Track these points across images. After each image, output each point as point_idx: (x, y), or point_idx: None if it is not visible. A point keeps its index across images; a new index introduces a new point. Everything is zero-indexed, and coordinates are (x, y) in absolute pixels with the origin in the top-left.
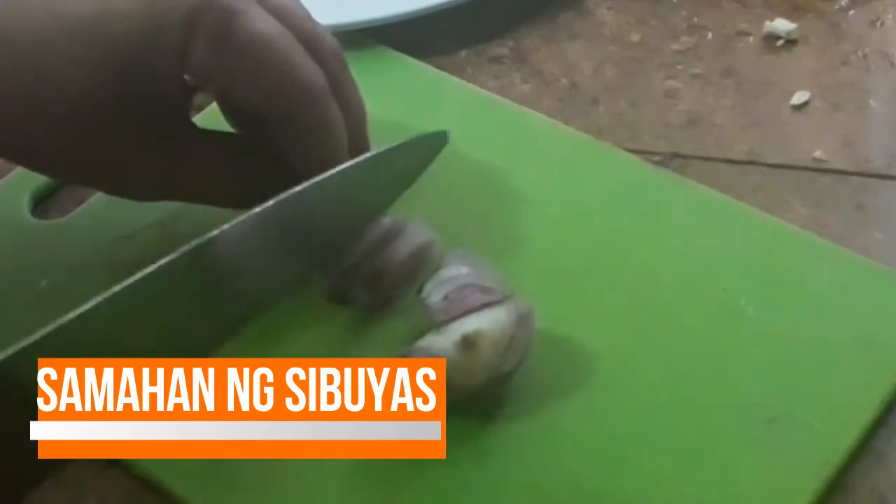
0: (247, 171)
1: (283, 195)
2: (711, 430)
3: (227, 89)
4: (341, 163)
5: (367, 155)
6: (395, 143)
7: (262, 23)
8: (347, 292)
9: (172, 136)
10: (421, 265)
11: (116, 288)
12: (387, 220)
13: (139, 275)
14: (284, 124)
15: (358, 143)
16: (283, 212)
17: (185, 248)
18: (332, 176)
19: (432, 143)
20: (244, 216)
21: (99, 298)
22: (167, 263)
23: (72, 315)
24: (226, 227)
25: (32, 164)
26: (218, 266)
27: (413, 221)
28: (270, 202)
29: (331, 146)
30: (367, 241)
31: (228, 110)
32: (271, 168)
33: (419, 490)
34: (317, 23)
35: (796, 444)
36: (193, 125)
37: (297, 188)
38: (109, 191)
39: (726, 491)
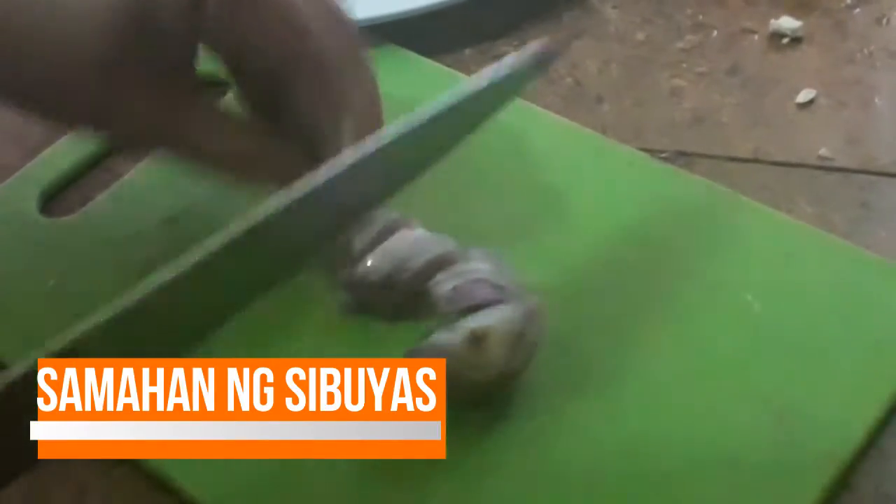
0: (253, 137)
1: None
2: (719, 426)
3: (239, 50)
4: (353, 134)
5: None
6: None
7: None
8: (362, 302)
9: (176, 89)
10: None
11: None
12: (408, 231)
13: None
14: (295, 90)
15: (371, 122)
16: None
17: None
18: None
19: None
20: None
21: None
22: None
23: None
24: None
25: (26, 104)
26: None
27: (438, 234)
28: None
29: (343, 115)
30: (383, 251)
31: (240, 86)
32: (281, 137)
33: (423, 489)
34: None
35: (804, 440)
36: (200, 86)
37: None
38: (106, 135)
39: (734, 487)
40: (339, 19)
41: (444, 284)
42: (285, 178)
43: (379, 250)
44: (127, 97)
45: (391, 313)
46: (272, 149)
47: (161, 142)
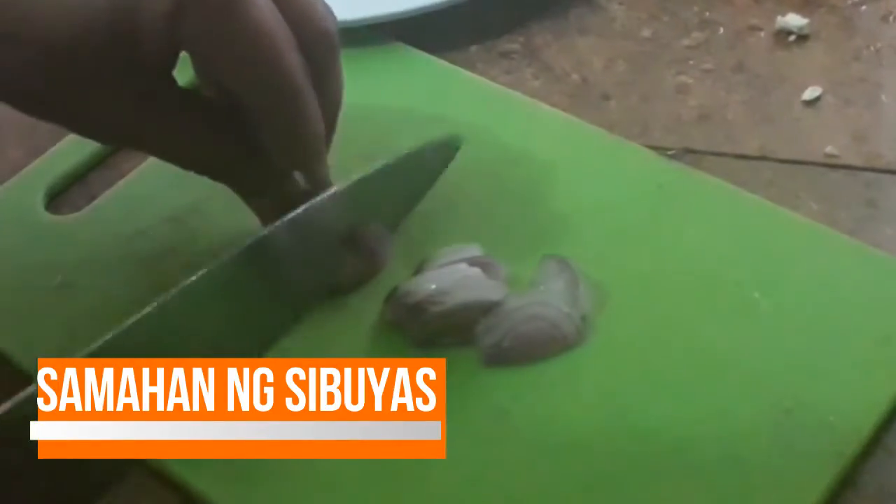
0: (221, 135)
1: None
2: (724, 422)
3: (209, 67)
4: (316, 154)
5: (381, 164)
6: (406, 151)
7: (261, 11)
8: (397, 320)
9: (150, 90)
10: (475, 318)
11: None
12: (464, 268)
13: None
14: (260, 113)
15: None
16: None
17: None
18: (347, 188)
19: (445, 149)
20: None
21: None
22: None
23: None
24: (248, 240)
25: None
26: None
27: (492, 270)
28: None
29: (304, 142)
30: (427, 278)
31: (205, 77)
32: (244, 135)
33: (420, 489)
34: (318, 2)
35: (810, 437)
36: (174, 82)
37: (307, 204)
38: (79, 131)
39: (738, 482)
40: (310, 27)
41: (491, 334)
42: (247, 185)
43: (425, 276)
44: (102, 105)
45: (421, 338)
46: (231, 152)
47: (133, 145)
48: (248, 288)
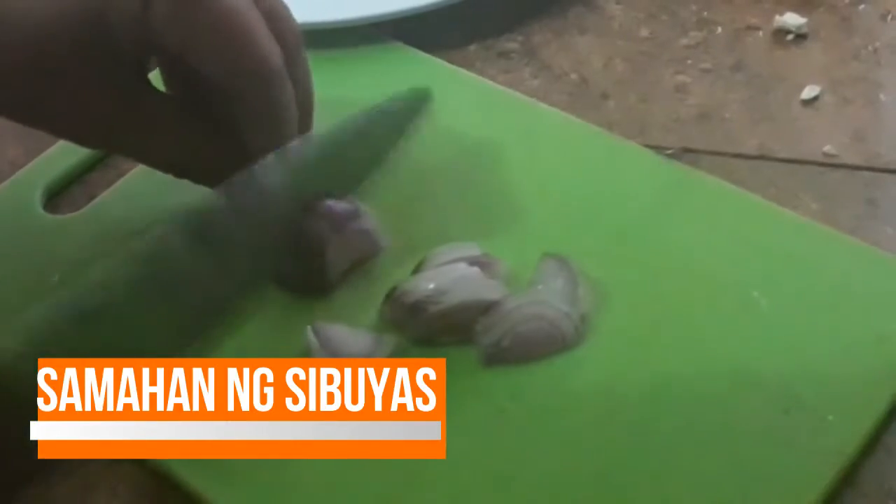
0: (194, 135)
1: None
2: (725, 420)
3: (184, 54)
4: (288, 140)
5: (353, 115)
6: (375, 105)
7: None
8: (396, 319)
9: (124, 89)
10: (474, 317)
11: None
12: (463, 268)
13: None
14: (237, 98)
15: (302, 127)
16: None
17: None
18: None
19: (415, 103)
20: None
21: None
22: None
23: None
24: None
25: None
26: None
27: (491, 269)
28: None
29: (280, 125)
30: (425, 278)
31: (171, 77)
32: (216, 136)
33: (420, 489)
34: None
35: (809, 436)
36: (148, 82)
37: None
38: (52, 131)
39: (739, 481)
40: (280, 21)
41: (492, 332)
42: (217, 178)
43: (424, 275)
44: (76, 103)
45: (420, 337)
46: (207, 153)
47: (104, 145)
48: (192, 256)
